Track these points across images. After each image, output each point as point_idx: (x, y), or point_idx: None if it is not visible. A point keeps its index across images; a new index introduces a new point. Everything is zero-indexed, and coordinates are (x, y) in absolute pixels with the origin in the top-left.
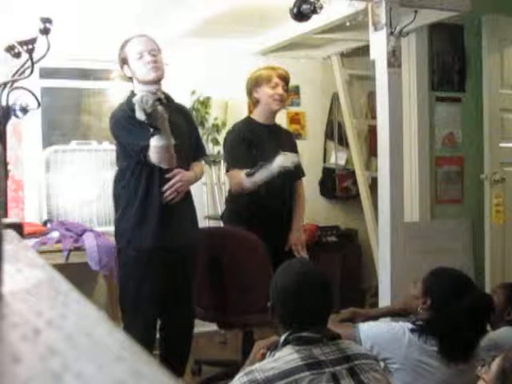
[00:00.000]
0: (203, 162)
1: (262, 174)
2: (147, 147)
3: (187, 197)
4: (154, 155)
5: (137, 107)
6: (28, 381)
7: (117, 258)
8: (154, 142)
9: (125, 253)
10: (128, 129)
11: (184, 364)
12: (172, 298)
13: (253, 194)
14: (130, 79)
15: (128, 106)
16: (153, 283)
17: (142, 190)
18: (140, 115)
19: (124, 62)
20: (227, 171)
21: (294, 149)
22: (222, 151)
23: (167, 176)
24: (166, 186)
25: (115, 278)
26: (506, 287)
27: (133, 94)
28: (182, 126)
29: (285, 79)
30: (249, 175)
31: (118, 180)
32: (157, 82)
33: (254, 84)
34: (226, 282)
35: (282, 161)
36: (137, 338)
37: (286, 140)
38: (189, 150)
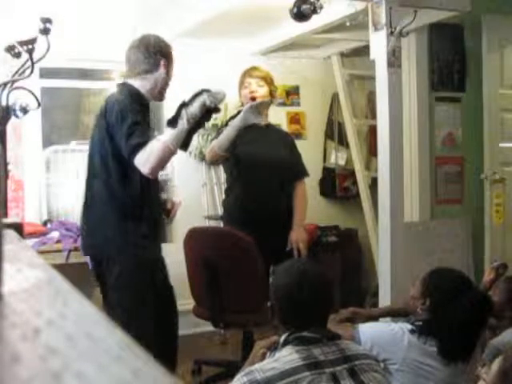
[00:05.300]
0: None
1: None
2: (141, 145)
3: None
4: (153, 149)
5: (205, 96)
6: (28, 381)
7: (112, 266)
8: (170, 136)
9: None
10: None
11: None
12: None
13: (238, 195)
14: (149, 72)
15: (133, 99)
16: (164, 288)
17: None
18: (195, 107)
19: (165, 56)
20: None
21: (290, 149)
22: None
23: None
24: (175, 207)
25: None
26: (509, 282)
27: (134, 89)
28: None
29: (258, 76)
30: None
31: (122, 184)
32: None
33: (239, 90)
34: (220, 281)
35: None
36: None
37: (277, 139)
38: None
